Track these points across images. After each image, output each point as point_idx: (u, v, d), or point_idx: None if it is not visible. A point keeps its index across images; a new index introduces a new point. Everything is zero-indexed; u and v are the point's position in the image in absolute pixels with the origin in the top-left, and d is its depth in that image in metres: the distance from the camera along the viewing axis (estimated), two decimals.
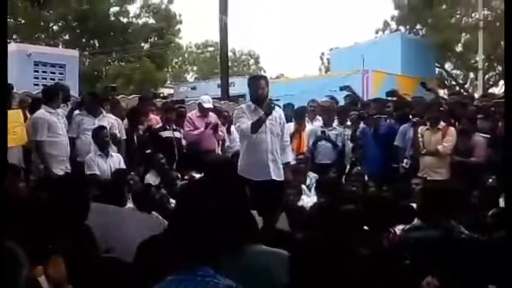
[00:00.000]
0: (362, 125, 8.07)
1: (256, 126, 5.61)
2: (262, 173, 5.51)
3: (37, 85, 13.51)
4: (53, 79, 14.39)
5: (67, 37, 29.27)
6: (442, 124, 7.23)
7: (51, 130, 6.64)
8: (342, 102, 9.55)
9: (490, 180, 6.39)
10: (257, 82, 5.84)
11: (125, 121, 7.81)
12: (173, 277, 2.53)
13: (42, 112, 6.72)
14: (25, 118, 6.88)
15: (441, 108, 7.52)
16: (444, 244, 2.97)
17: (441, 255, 2.87)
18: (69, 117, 7.15)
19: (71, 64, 15.87)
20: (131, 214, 4.66)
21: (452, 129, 7.21)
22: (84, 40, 28.81)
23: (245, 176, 5.29)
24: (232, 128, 8.81)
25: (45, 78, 14.94)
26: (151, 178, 6.87)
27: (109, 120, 7.29)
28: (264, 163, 5.64)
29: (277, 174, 5.71)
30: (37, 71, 15.20)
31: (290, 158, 6.33)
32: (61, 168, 6.61)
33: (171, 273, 2.55)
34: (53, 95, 6.87)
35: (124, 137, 7.47)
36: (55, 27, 29.20)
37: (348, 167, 8.09)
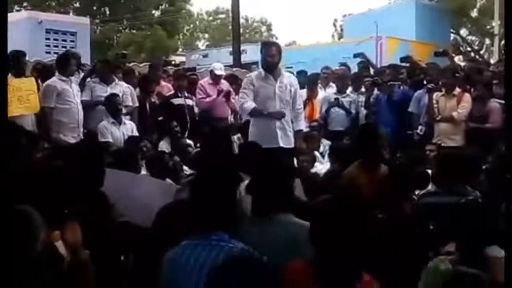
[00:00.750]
0: (376, 91, 7.99)
1: (257, 114, 5.73)
2: (270, 140, 5.54)
3: (48, 53, 13.47)
4: (65, 47, 14.31)
5: (77, 4, 29.15)
6: (457, 90, 7.16)
7: (61, 97, 6.69)
8: (355, 69, 9.46)
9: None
10: (268, 49, 5.83)
11: (137, 89, 7.80)
12: (188, 242, 2.57)
13: (54, 80, 6.79)
14: (38, 87, 6.90)
15: (456, 74, 7.43)
16: (460, 210, 2.95)
17: (458, 220, 2.85)
18: (82, 84, 7.16)
19: (82, 32, 15.78)
20: (145, 179, 4.68)
21: (467, 95, 7.14)
22: (94, 8, 28.69)
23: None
24: None
25: (57, 46, 14.87)
26: (165, 146, 6.89)
27: (122, 88, 7.28)
28: (272, 130, 5.70)
29: (285, 141, 5.76)
30: (48, 39, 15.12)
31: (303, 125, 6.35)
32: (72, 136, 6.66)
33: (186, 238, 2.59)
34: (65, 62, 6.89)
35: (137, 104, 7.47)
36: None
37: None
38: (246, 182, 3.73)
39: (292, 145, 5.92)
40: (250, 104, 5.74)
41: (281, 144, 5.70)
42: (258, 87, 5.75)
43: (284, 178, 3.13)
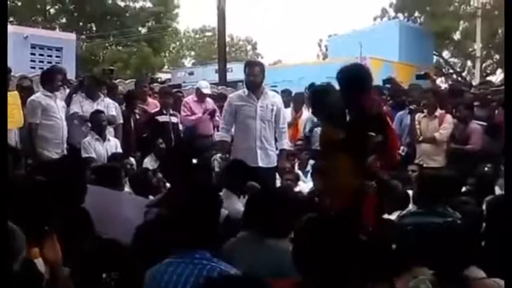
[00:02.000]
0: None
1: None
2: (250, 159, 5.51)
3: (33, 68, 13.45)
4: (50, 62, 14.30)
5: (64, 20, 29.07)
6: (439, 111, 7.24)
7: (46, 113, 6.68)
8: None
9: (486, 169, 6.41)
10: (251, 68, 5.89)
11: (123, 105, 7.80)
12: (171, 259, 2.58)
13: (38, 95, 6.79)
14: (23, 102, 6.87)
15: (438, 95, 7.53)
16: (439, 230, 2.98)
17: (436, 241, 2.87)
18: (68, 100, 7.14)
19: (68, 48, 15.78)
20: (127, 197, 4.67)
21: (449, 116, 7.23)
22: (81, 23, 28.62)
23: None
24: None
25: (42, 61, 14.85)
26: (150, 163, 6.87)
27: (108, 104, 7.28)
28: (252, 149, 5.73)
29: (265, 161, 5.80)
30: (33, 54, 15.10)
31: (286, 145, 6.36)
32: (56, 152, 6.63)
33: (169, 255, 2.59)
34: (50, 78, 6.88)
35: (121, 121, 7.46)
36: (52, 10, 28.99)
37: None
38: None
39: (274, 164, 5.96)
40: (219, 135, 5.95)
41: (260, 164, 5.74)
42: (239, 108, 5.81)
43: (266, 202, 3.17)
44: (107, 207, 3.74)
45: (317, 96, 4.79)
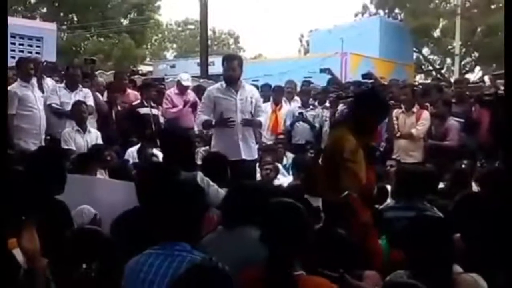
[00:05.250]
0: (340, 106, 8.12)
1: (207, 127, 5.97)
2: (232, 152, 5.50)
3: (14, 57, 13.24)
4: (30, 52, 14.13)
5: (44, 10, 28.71)
6: (416, 107, 7.32)
7: (23, 103, 6.61)
8: (321, 84, 9.62)
9: (463, 166, 6.51)
10: (229, 62, 5.86)
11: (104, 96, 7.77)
12: (151, 251, 2.59)
13: (14, 86, 6.70)
14: None
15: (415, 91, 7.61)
16: (416, 224, 3.03)
17: (413, 234, 2.92)
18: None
19: (48, 38, 15.58)
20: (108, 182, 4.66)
21: (426, 112, 7.30)
22: (62, 14, 28.29)
23: None
24: None
25: (22, 51, 14.62)
26: (130, 155, 6.85)
27: (86, 94, 7.23)
28: (234, 142, 5.71)
29: (247, 153, 5.80)
30: (13, 44, 14.88)
31: (263, 119, 6.38)
32: (34, 142, 6.57)
33: (149, 247, 2.60)
34: (23, 67, 6.81)
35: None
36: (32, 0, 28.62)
37: (324, 147, 8.16)
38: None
39: (255, 157, 5.99)
40: (202, 118, 5.82)
41: (243, 157, 5.73)
42: (219, 100, 5.78)
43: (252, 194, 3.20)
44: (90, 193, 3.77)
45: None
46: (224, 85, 5.84)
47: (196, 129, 8.22)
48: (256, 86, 6.17)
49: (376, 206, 4.40)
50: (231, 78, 5.79)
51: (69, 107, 6.92)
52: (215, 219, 3.75)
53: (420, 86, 8.81)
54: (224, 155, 4.86)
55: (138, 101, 8.02)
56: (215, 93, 5.85)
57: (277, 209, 2.65)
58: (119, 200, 3.75)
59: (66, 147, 6.47)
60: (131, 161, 6.48)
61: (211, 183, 4.01)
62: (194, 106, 8.09)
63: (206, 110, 5.85)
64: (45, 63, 8.71)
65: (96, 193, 4.10)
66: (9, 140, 6.41)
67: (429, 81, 17.70)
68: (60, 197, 3.33)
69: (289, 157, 7.54)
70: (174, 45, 42.41)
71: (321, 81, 10.21)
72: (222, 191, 3.99)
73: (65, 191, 3.37)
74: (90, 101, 7.19)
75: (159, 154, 6.59)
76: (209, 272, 2.08)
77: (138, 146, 6.87)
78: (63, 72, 7.77)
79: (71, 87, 7.18)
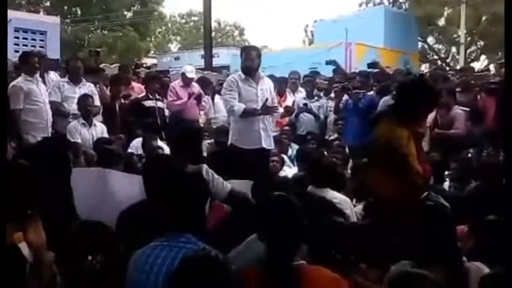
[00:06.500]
0: (345, 97, 8.09)
1: (248, 115, 5.76)
2: (253, 141, 5.70)
3: (17, 51, 13.26)
4: (34, 46, 14.14)
5: (48, 3, 28.72)
6: None
7: (29, 97, 6.62)
8: (326, 75, 9.60)
9: (469, 155, 6.49)
10: (247, 53, 5.96)
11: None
12: (157, 242, 2.59)
13: (19, 80, 6.69)
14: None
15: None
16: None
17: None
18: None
19: (52, 31, 15.60)
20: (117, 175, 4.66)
21: None
22: (65, 7, 28.30)
23: (237, 145, 5.69)
24: (216, 98, 8.82)
25: (26, 45, 14.66)
26: (135, 147, 6.85)
27: (89, 88, 7.23)
28: (255, 131, 5.80)
29: (267, 142, 5.90)
30: (17, 38, 14.90)
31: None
32: (41, 136, 6.56)
33: (155, 238, 2.61)
34: (26, 62, 6.81)
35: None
36: None
37: (328, 138, 8.17)
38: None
39: (273, 147, 6.14)
40: (240, 106, 5.78)
41: (264, 145, 5.84)
42: (241, 89, 5.84)
43: None
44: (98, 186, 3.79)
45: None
46: (243, 76, 5.87)
47: (201, 121, 8.24)
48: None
49: None
50: (250, 69, 5.87)
51: (73, 102, 6.94)
52: (225, 208, 3.77)
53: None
54: (234, 147, 4.89)
55: (143, 94, 8.03)
56: (238, 81, 5.87)
57: (269, 203, 2.64)
58: (127, 192, 3.76)
59: (72, 140, 6.49)
60: (135, 153, 6.50)
61: (216, 176, 4.01)
62: (198, 98, 8.08)
63: (236, 97, 5.82)
64: (47, 60, 8.69)
65: (104, 185, 4.10)
66: (16, 133, 6.45)
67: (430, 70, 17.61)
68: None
69: (294, 148, 7.54)
70: (178, 38, 42.33)
71: (326, 71, 10.17)
72: (228, 184, 4.00)
73: (73, 184, 3.38)
74: (95, 95, 7.20)
75: (164, 146, 6.64)
76: (205, 262, 2.08)
77: (141, 138, 6.89)
78: (63, 66, 7.74)
79: (74, 81, 7.18)
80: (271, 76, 9.15)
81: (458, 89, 7.60)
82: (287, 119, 8.39)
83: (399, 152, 3.57)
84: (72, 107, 6.94)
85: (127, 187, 3.97)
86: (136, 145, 6.84)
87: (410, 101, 3.69)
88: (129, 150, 6.67)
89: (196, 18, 39.82)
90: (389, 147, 3.62)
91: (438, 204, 3.42)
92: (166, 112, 8.06)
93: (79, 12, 28.94)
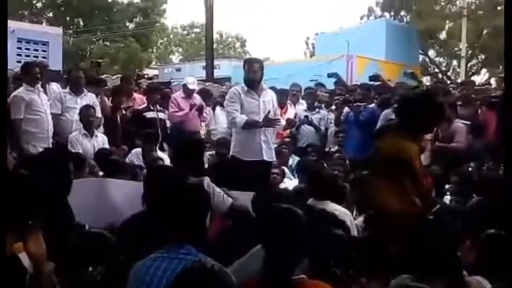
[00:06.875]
0: (346, 109, 8.10)
1: (250, 126, 5.78)
2: (254, 153, 5.72)
3: (20, 62, 13.33)
4: (36, 57, 14.21)
5: (50, 14, 28.87)
6: None
7: (30, 107, 6.63)
8: (328, 87, 9.63)
9: (470, 169, 6.48)
10: (250, 65, 5.99)
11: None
12: (158, 254, 2.59)
13: (20, 91, 6.71)
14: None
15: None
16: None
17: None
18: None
19: (54, 42, 15.68)
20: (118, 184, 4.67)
21: None
22: (68, 18, 28.44)
23: (238, 157, 5.70)
24: (217, 110, 8.85)
25: (28, 56, 14.73)
26: (134, 158, 6.85)
27: (91, 99, 7.25)
28: (256, 143, 5.81)
29: (268, 154, 5.91)
30: (20, 48, 14.97)
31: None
32: (42, 146, 6.58)
33: (155, 250, 2.61)
34: (28, 72, 6.83)
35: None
36: (38, 4, 28.80)
37: (329, 150, 8.18)
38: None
39: (274, 159, 6.14)
40: (242, 117, 5.81)
41: (265, 158, 5.85)
42: (244, 101, 5.86)
43: None
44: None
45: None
46: (246, 88, 5.88)
47: (202, 132, 8.25)
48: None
49: None
50: (253, 81, 5.90)
51: (75, 112, 6.96)
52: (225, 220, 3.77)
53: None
54: (235, 159, 4.89)
55: (145, 105, 8.04)
56: (241, 93, 5.89)
57: (272, 215, 2.63)
58: (128, 202, 3.76)
59: (73, 150, 6.49)
60: (135, 162, 6.52)
61: (218, 189, 4.02)
62: (200, 109, 8.10)
63: (238, 109, 5.86)
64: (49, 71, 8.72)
65: (105, 195, 4.10)
66: (17, 143, 6.46)
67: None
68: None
69: (294, 159, 7.54)
70: (180, 49, 42.47)
71: (327, 84, 10.21)
72: (229, 198, 4.00)
73: (74, 194, 3.38)
74: (97, 106, 7.22)
75: (164, 157, 6.64)
76: (201, 274, 2.07)
77: (141, 148, 6.89)
78: (65, 76, 7.76)
79: (76, 91, 7.19)
80: (272, 88, 9.20)
81: (459, 103, 7.59)
82: (288, 131, 8.41)
83: (409, 165, 3.55)
84: (74, 117, 6.95)
85: (128, 194, 3.97)
86: (134, 155, 6.85)
87: (417, 115, 3.67)
88: (127, 160, 6.68)
89: (198, 30, 39.99)
90: (397, 160, 3.58)
91: (441, 218, 3.43)
92: (168, 123, 8.07)
93: (81, 23, 29.08)
